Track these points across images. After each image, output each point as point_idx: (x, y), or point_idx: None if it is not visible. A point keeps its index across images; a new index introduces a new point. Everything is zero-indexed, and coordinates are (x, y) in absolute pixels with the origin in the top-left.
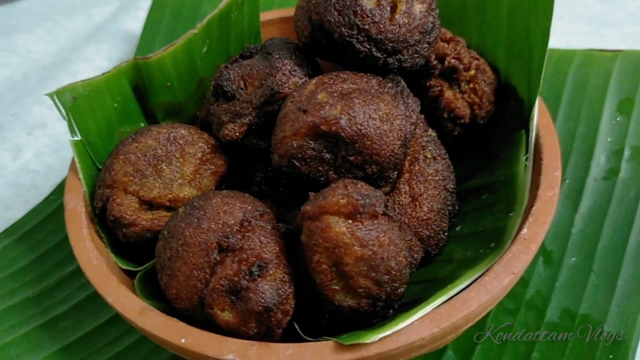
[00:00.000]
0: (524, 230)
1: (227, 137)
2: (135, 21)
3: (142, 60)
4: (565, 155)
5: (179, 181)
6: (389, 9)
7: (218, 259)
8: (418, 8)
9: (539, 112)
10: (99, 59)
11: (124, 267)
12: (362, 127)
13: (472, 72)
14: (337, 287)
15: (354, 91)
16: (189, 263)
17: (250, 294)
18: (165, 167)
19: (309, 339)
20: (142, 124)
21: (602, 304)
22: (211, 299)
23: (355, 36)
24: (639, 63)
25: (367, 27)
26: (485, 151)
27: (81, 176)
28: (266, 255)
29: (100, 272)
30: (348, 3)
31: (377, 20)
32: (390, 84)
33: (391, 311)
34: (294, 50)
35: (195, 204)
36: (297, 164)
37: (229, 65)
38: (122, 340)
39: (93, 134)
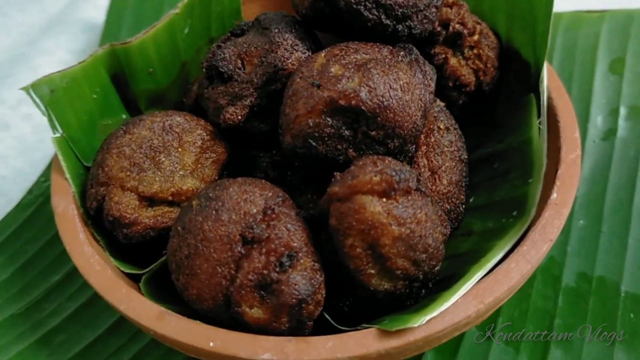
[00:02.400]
0: (554, 195)
1: (228, 122)
2: (94, 9)
3: (120, 45)
4: None
5: (181, 172)
6: None
7: (243, 252)
8: None
9: (548, 74)
10: (60, 51)
11: (127, 271)
12: (384, 99)
13: (476, 37)
14: (373, 271)
15: (369, 61)
16: (211, 259)
17: (283, 287)
18: (164, 159)
19: (344, 328)
20: (124, 116)
21: (616, 265)
22: (239, 296)
23: (362, 3)
24: (627, 22)
25: None
26: (491, 119)
27: (68, 175)
28: (295, 244)
29: (106, 278)
30: None
31: None
32: (402, 52)
33: (423, 291)
34: (293, 24)
35: (210, 194)
36: (314, 143)
37: (222, 44)
38: (127, 349)
39: (74, 129)
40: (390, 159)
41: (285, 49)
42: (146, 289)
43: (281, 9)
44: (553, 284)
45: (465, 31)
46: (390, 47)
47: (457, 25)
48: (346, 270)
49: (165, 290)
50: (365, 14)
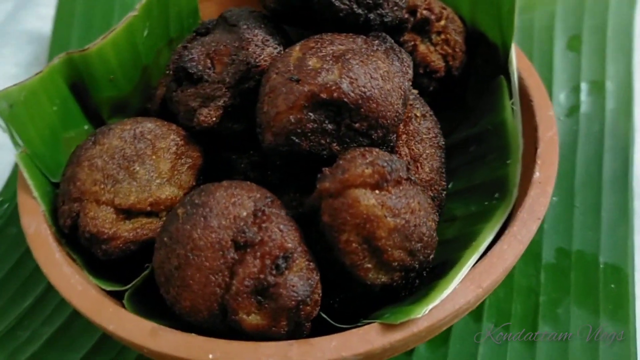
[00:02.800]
0: (537, 174)
1: (202, 124)
2: (38, 20)
3: (77, 53)
4: None
5: (157, 181)
6: None
7: (236, 257)
8: None
9: (516, 55)
10: (6, 65)
11: (108, 288)
12: (366, 89)
13: (443, 22)
14: (369, 265)
15: (346, 52)
16: (203, 268)
17: (281, 290)
18: (138, 168)
19: (342, 326)
20: (86, 127)
21: (592, 238)
22: (235, 303)
23: None
24: (580, 0)
25: None
26: (461, 104)
27: (36, 194)
28: (290, 245)
29: (90, 299)
30: None
31: None
32: (377, 41)
33: (417, 281)
34: (261, 19)
35: (196, 201)
36: (297, 140)
37: (188, 45)
38: None
39: (37, 144)
40: (377, 150)
41: (256, 45)
42: (130, 306)
43: (240, 5)
44: (534, 262)
45: (433, 17)
46: (364, 37)
47: (424, 12)
48: (340, 267)
49: (150, 305)
50: (336, 4)
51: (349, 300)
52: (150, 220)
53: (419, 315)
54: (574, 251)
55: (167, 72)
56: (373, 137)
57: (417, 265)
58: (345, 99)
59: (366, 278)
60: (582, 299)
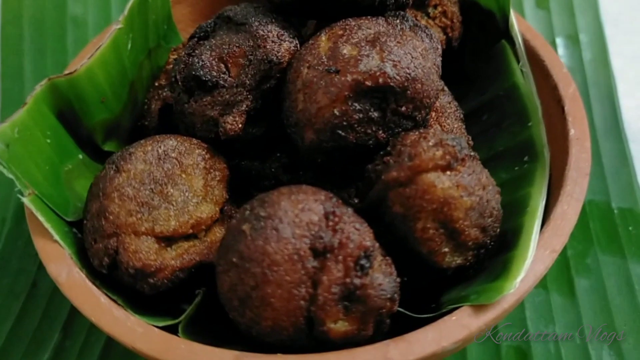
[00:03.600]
0: (572, 131)
1: (230, 133)
2: None
3: (63, 78)
4: None
5: (194, 200)
6: None
7: (317, 265)
8: None
9: (516, 18)
10: None
11: (161, 324)
12: (410, 70)
13: None
14: (446, 250)
15: (379, 35)
16: (284, 283)
17: (369, 291)
18: (172, 190)
19: (422, 316)
20: (81, 156)
21: (600, 186)
22: (324, 313)
23: None
24: None
25: None
26: (460, 75)
27: (57, 237)
28: (368, 243)
29: (156, 339)
30: None
31: None
32: (398, 21)
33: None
34: (270, 14)
35: (261, 214)
36: (343, 134)
37: (193, 52)
38: None
39: (42, 183)
40: (433, 130)
41: (273, 41)
42: (187, 338)
43: (213, 5)
44: None
45: None
46: (384, 18)
47: None
48: (414, 256)
49: (204, 333)
50: None
51: (418, 288)
52: (192, 244)
53: (512, 291)
54: (586, 202)
55: (158, 84)
56: (417, 118)
57: (488, 241)
58: (392, 83)
59: (443, 263)
60: (606, 246)
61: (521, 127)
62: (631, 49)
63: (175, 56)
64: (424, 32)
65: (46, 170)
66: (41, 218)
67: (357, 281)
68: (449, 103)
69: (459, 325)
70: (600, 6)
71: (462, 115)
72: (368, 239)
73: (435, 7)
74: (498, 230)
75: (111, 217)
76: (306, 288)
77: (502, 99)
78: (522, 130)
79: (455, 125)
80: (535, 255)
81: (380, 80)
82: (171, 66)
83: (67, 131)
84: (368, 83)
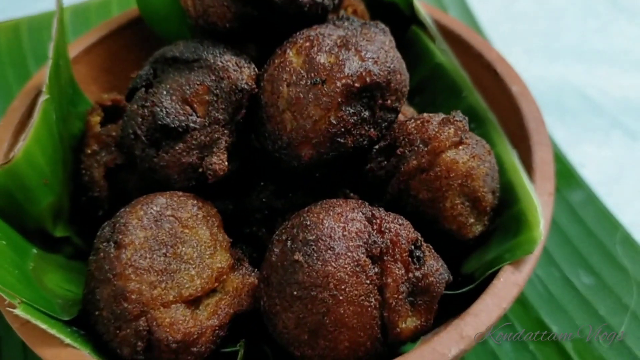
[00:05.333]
0: (513, 87)
1: (220, 173)
2: None
3: (0, 169)
4: None
5: (208, 252)
6: None
7: (378, 270)
8: None
9: (420, 1)
10: None
11: None
12: (389, 64)
13: None
14: (472, 220)
15: (346, 39)
16: (354, 298)
17: (430, 279)
18: (183, 248)
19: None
20: (35, 250)
21: None
22: (397, 315)
23: None
24: None
25: None
26: None
27: (68, 340)
28: (413, 234)
29: None
30: None
31: None
32: (346, 23)
33: None
34: (219, 44)
35: (308, 238)
36: (342, 140)
37: (146, 102)
38: None
39: (22, 290)
40: (427, 114)
41: (234, 70)
42: None
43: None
44: None
45: None
46: (332, 23)
47: None
48: (440, 235)
49: None
50: (300, 0)
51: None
52: (218, 298)
53: (541, 237)
54: None
55: (91, 151)
56: (398, 109)
57: (497, 202)
58: (378, 80)
59: (469, 234)
60: None
61: (457, 99)
62: (488, 15)
63: (97, 118)
64: (376, 27)
65: (17, 274)
66: (43, 326)
67: (418, 274)
68: None
69: (510, 284)
70: None
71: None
72: (412, 230)
73: (346, 8)
74: (499, 190)
75: (134, 296)
76: (374, 296)
77: (429, 80)
78: (458, 102)
79: (410, 110)
80: (540, 201)
81: (368, 79)
82: (98, 130)
83: (14, 227)
84: (357, 84)
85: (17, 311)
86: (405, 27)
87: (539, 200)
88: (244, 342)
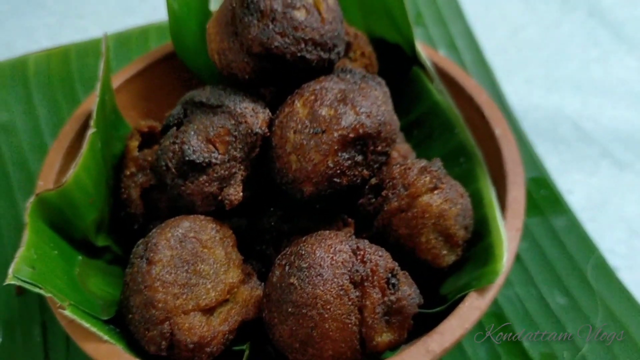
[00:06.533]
0: (497, 130)
1: (235, 202)
2: None
3: (53, 191)
4: None
5: (222, 269)
6: (316, 12)
7: (359, 294)
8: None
9: (421, 46)
10: None
11: None
12: (380, 116)
13: (355, 38)
14: (445, 252)
15: (345, 93)
16: (337, 316)
17: (403, 302)
18: (202, 266)
19: (429, 311)
20: (80, 257)
21: None
22: (373, 331)
23: (304, 49)
24: None
25: (310, 36)
26: None
27: (106, 337)
28: (391, 264)
29: None
30: (286, 24)
31: (315, 26)
32: (348, 76)
33: None
34: (239, 92)
35: (303, 265)
36: (338, 180)
37: (177, 140)
38: None
39: (69, 293)
40: (412, 160)
41: (251, 116)
42: None
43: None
44: None
45: (351, 38)
46: (336, 75)
47: (345, 36)
48: (418, 264)
49: None
50: (308, 57)
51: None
52: (229, 307)
53: (503, 269)
54: None
55: (130, 172)
56: (388, 152)
57: (469, 236)
58: (369, 131)
59: (443, 263)
60: (530, 210)
61: (450, 134)
62: (495, 42)
63: (135, 143)
64: (373, 80)
65: (66, 279)
66: (86, 325)
67: (392, 297)
68: None
69: (473, 308)
70: (465, 15)
71: (404, 137)
72: (390, 260)
73: (355, 51)
74: (472, 225)
75: (160, 305)
76: (355, 315)
77: (427, 116)
78: (451, 137)
79: (405, 147)
80: (507, 237)
81: (361, 131)
82: (136, 154)
83: (63, 238)
84: (351, 135)
85: (66, 312)
86: (408, 66)
87: (507, 235)
88: (249, 344)
